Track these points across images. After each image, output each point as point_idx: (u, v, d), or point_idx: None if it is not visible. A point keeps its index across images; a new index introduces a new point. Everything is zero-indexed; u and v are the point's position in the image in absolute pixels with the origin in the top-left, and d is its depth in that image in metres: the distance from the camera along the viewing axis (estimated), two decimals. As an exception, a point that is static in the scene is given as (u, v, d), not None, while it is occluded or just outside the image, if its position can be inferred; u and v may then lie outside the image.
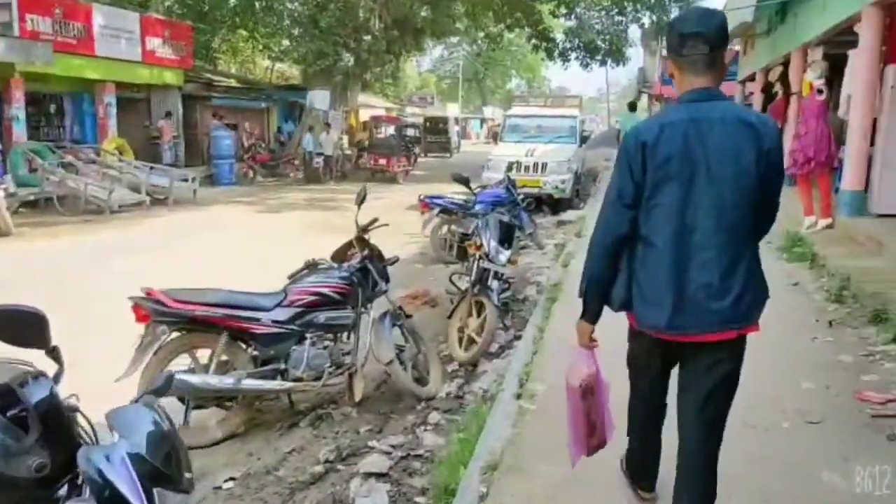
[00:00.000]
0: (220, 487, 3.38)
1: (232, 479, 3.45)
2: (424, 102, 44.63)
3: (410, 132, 28.80)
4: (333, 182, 19.46)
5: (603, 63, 24.93)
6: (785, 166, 9.30)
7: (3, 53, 12.13)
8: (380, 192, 14.86)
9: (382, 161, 20.34)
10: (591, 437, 2.48)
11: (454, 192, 8.70)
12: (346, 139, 24.40)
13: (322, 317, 4.04)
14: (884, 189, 7.60)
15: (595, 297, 2.27)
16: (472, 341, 5.03)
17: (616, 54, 24.22)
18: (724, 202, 2.04)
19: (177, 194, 14.16)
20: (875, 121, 7.79)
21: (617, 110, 48.92)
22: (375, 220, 4.43)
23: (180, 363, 3.85)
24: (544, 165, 12.61)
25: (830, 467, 2.88)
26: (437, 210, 8.29)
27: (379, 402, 4.34)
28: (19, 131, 13.46)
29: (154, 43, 17.11)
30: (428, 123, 34.15)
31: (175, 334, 3.81)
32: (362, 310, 4.21)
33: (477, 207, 7.52)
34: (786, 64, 11.91)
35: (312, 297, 4.03)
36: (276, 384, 3.91)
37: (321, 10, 21.37)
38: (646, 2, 21.95)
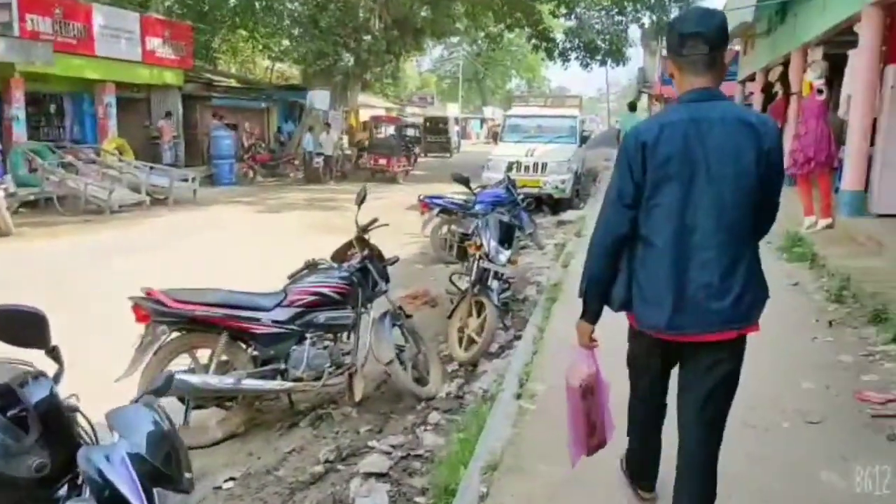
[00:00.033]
0: (220, 487, 3.39)
1: (232, 479, 3.45)
2: (424, 102, 44.63)
3: (410, 132, 28.80)
4: (333, 182, 19.47)
5: (603, 63, 24.92)
6: (785, 166, 9.32)
7: (3, 53, 12.13)
8: (380, 192, 14.87)
9: (382, 161, 20.34)
10: (591, 436, 2.48)
11: (454, 192, 8.70)
12: (346, 139, 24.40)
13: (322, 317, 4.04)
14: (884, 189, 7.60)
15: (595, 297, 2.27)
16: (472, 341, 5.03)
17: (616, 54, 24.21)
18: (724, 202, 2.04)
19: (177, 194, 14.16)
20: (875, 121, 7.79)
21: (617, 110, 48.92)
22: (375, 220, 4.44)
23: (180, 363, 3.85)
24: (544, 165, 12.61)
25: (830, 467, 2.88)
26: (436, 210, 8.30)
27: (379, 402, 4.34)
28: (19, 131, 13.46)
29: (154, 43, 17.11)
30: (428, 123, 34.13)
31: (175, 334, 3.81)
32: (362, 310, 4.21)
33: (477, 207, 7.52)
34: (786, 64, 11.92)
35: (312, 297, 4.03)
36: (276, 384, 3.91)
37: (321, 10, 21.37)
38: (646, 2, 21.95)
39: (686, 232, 2.06)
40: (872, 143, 7.84)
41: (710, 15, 2.14)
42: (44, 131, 15.47)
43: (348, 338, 4.25)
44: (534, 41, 24.81)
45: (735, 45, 17.08)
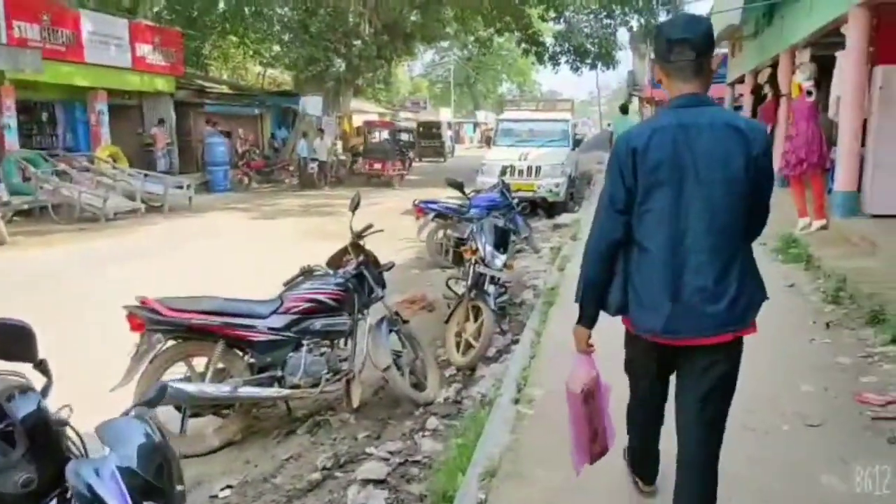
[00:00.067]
0: (216, 496, 3.36)
1: (229, 487, 3.42)
2: (417, 107, 44.70)
3: (404, 137, 28.82)
4: (328, 188, 19.45)
5: (593, 66, 25.08)
6: (777, 168, 9.37)
7: (-8, 61, 12.10)
8: (375, 197, 14.87)
9: (377, 165, 20.36)
10: (594, 443, 2.47)
11: (449, 197, 8.70)
12: (340, 145, 24.39)
13: (318, 323, 4.03)
14: (876, 189, 7.64)
15: (591, 302, 2.28)
16: (469, 346, 5.02)
17: (606, 58, 24.36)
18: (714, 206, 2.06)
19: (172, 201, 14.13)
20: (865, 122, 7.83)
21: (608, 113, 49.13)
22: (370, 226, 4.43)
23: (176, 372, 3.82)
24: (538, 169, 12.65)
25: (830, 470, 2.88)
26: (432, 215, 8.30)
27: (377, 408, 4.32)
28: (11, 140, 13.42)
29: (144, 49, 17.09)
30: (421, 128, 34.19)
31: (171, 343, 3.78)
32: (359, 316, 4.19)
33: (472, 212, 7.55)
34: (774, 66, 11.98)
35: (308, 304, 4.01)
36: (272, 391, 3.89)
37: (311, 15, 21.39)
38: (633, 5, 22.06)
39: (679, 236, 2.08)
40: (863, 144, 7.89)
41: (697, 21, 2.18)
42: (36, 139, 15.43)
43: (345, 344, 4.23)
44: (523, 45, 24.93)
45: (723, 48, 17.17)
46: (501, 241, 5.83)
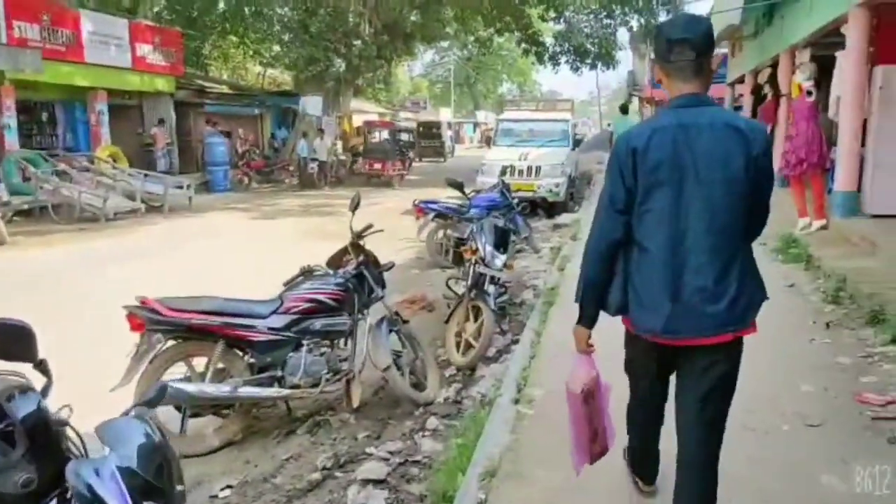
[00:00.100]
0: (216, 496, 3.36)
1: (229, 487, 3.42)
2: (417, 107, 44.70)
3: (404, 137, 28.80)
4: (328, 188, 19.45)
5: (593, 66, 25.07)
6: (777, 168, 9.37)
7: (-8, 61, 12.10)
8: (375, 197, 14.87)
9: (378, 165, 20.37)
10: (594, 443, 2.47)
11: (449, 197, 8.70)
12: (340, 144, 24.39)
13: (318, 323, 4.03)
14: (876, 189, 7.63)
15: (591, 302, 2.28)
16: (469, 346, 5.02)
17: (606, 57, 24.35)
18: (714, 206, 2.06)
19: (172, 201, 14.13)
20: (865, 122, 7.83)
21: (608, 113, 49.13)
22: (370, 226, 4.43)
23: (176, 372, 3.82)
24: (538, 169, 12.65)
25: (830, 470, 2.88)
26: (432, 215, 8.29)
27: (377, 408, 4.32)
28: (11, 140, 13.42)
29: (144, 49, 17.09)
30: (421, 128, 34.20)
31: (171, 343, 3.77)
32: (359, 316, 4.19)
33: (472, 212, 7.55)
34: (774, 66, 11.97)
35: (308, 304, 4.01)
36: (272, 391, 3.88)
37: (311, 15, 21.39)
38: (633, 5, 22.06)
39: (678, 237, 2.08)
40: (863, 144, 7.88)
41: (697, 22, 2.18)
42: (36, 139, 15.42)
43: (345, 344, 4.23)
44: (524, 45, 24.92)
45: (723, 48, 17.16)
46: (501, 241, 5.83)
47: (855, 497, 2.71)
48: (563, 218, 11.67)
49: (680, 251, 2.08)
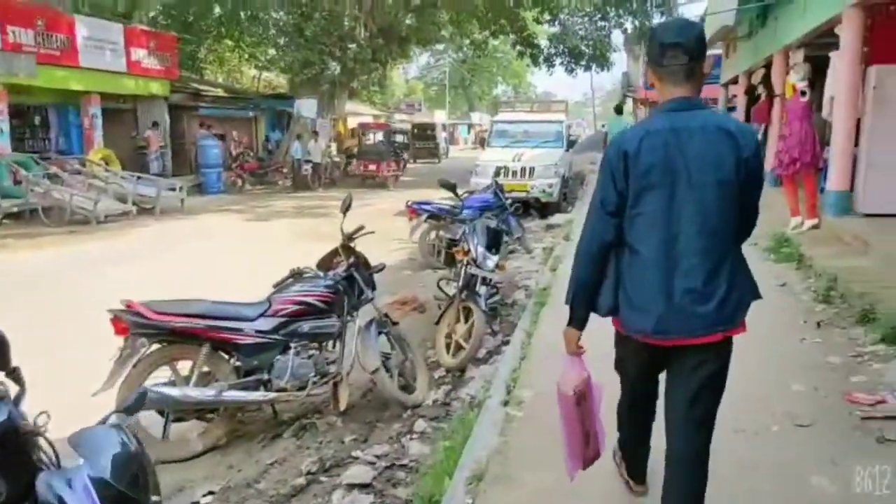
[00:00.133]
0: (198, 502, 3.31)
1: (211, 492, 3.38)
2: (412, 109, 44.68)
3: (399, 138, 28.82)
4: (322, 189, 19.42)
5: (587, 68, 25.10)
6: (771, 167, 9.36)
7: (-15, 66, 12.06)
8: (369, 198, 14.83)
9: (372, 167, 20.37)
10: (587, 447, 2.45)
11: (442, 198, 8.68)
12: (334, 146, 24.37)
13: (307, 326, 3.99)
14: (869, 189, 7.63)
15: (582, 304, 2.29)
16: (459, 347, 5.00)
17: (600, 59, 24.38)
18: (705, 209, 2.07)
19: (164, 204, 14.08)
20: (859, 121, 7.82)
21: (602, 114, 49.15)
22: (361, 227, 4.40)
23: (161, 376, 3.78)
24: (532, 170, 12.65)
25: (820, 471, 2.85)
26: (425, 216, 8.27)
27: (365, 410, 4.28)
28: (3, 143, 13.36)
29: (139, 54, 17.05)
30: (416, 130, 34.27)
31: (155, 346, 3.73)
32: (348, 318, 4.16)
33: (465, 212, 7.53)
34: (768, 66, 11.99)
35: (297, 307, 3.97)
36: (258, 395, 3.84)
37: (306, 19, 21.36)
38: (628, 7, 22.09)
39: (670, 240, 2.09)
40: (857, 144, 7.88)
41: (690, 26, 2.21)
42: (29, 143, 15.37)
43: (334, 346, 4.20)
44: (518, 47, 24.95)
45: (717, 49, 17.19)
46: (493, 242, 5.81)
47: (845, 498, 2.68)
48: (556, 218, 11.68)
49: (672, 254, 2.09)
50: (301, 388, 3.90)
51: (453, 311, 5.16)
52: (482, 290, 5.39)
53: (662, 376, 2.34)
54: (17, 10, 13.45)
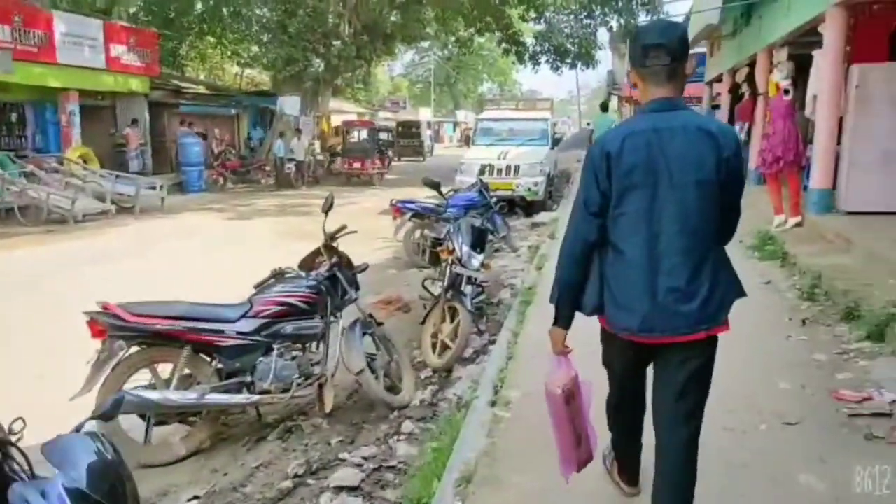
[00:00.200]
0: (182, 508, 3.25)
1: (196, 497, 3.31)
2: (397, 107, 44.58)
3: (383, 136, 28.71)
4: (305, 187, 19.31)
5: (573, 66, 25.15)
6: (754, 165, 9.37)
7: (-40, 62, 11.82)
8: (353, 196, 14.74)
9: (357, 164, 20.29)
10: (579, 448, 2.43)
11: (427, 197, 8.63)
12: (318, 144, 24.23)
13: (289, 327, 3.92)
14: (851, 187, 7.69)
15: (567, 303, 2.30)
16: (445, 347, 4.95)
17: (585, 57, 24.44)
18: (687, 209, 2.09)
19: (144, 202, 13.90)
20: (841, 120, 7.88)
21: (588, 112, 49.45)
22: (344, 227, 4.34)
23: (141, 379, 3.70)
24: (517, 168, 12.63)
25: (808, 469, 2.85)
26: (409, 214, 8.21)
27: (350, 412, 4.22)
28: (-22, 141, 13.12)
29: (118, 50, 16.81)
30: (401, 128, 34.16)
31: (134, 349, 3.65)
32: (331, 318, 4.10)
33: (450, 211, 7.49)
34: (752, 65, 12.06)
35: (279, 307, 3.91)
36: (241, 398, 3.77)
37: (290, 16, 21.21)
38: (613, 5, 22.18)
39: (652, 239, 2.11)
40: (839, 142, 7.94)
41: (673, 27, 2.24)
42: (4, 141, 15.12)
43: (317, 348, 4.13)
44: (504, 45, 24.94)
45: (701, 47, 17.29)
46: (478, 241, 5.77)
47: (833, 495, 2.68)
48: (542, 217, 11.67)
49: (654, 253, 2.11)
50: (285, 391, 3.84)
51: (439, 310, 5.12)
52: (468, 289, 5.35)
53: (650, 371, 2.34)
54: (-6, 7, 13.22)
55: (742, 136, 10.97)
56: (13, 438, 1.49)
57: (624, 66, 27.51)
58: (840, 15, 7.66)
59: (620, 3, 22.04)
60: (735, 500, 2.68)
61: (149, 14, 23.44)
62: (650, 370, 2.33)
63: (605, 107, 16.29)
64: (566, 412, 2.37)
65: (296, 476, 3.40)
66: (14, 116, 15.51)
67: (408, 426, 3.92)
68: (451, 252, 5.25)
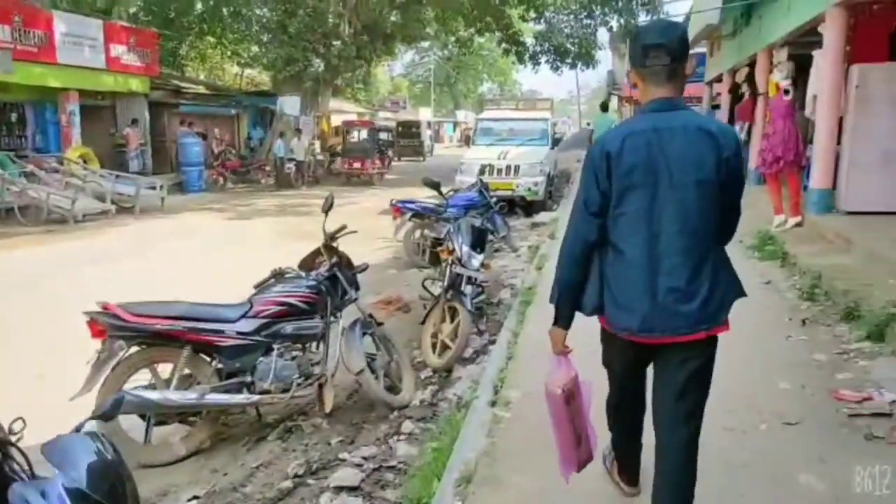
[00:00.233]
0: (182, 508, 3.25)
1: (196, 497, 3.31)
2: (397, 107, 44.59)
3: (383, 136, 28.73)
4: (305, 187, 19.31)
5: (573, 66, 25.14)
6: (755, 165, 9.37)
7: (-40, 62, 11.82)
8: (353, 196, 14.73)
9: (357, 164, 20.28)
10: (579, 448, 2.43)
11: (427, 197, 8.63)
12: (318, 144, 24.23)
13: (289, 327, 3.92)
14: (851, 187, 7.69)
15: (567, 304, 2.30)
16: (445, 347, 4.95)
17: (585, 57, 24.44)
18: (687, 209, 2.09)
19: (144, 202, 13.90)
20: (841, 120, 7.88)
21: (588, 112, 49.45)
22: (344, 227, 4.33)
23: (141, 379, 3.70)
24: (517, 168, 12.63)
25: (808, 469, 2.85)
26: (409, 214, 8.21)
27: (350, 412, 4.23)
28: (-22, 141, 13.13)
29: (118, 50, 16.81)
30: (401, 128, 34.16)
31: (134, 349, 3.65)
32: (331, 318, 4.10)
33: (450, 211, 7.49)
34: (752, 65, 12.06)
35: (279, 307, 3.90)
36: (241, 398, 3.77)
37: (290, 15, 21.21)
38: (613, 5, 22.18)
39: (652, 239, 2.11)
40: (839, 142, 7.94)
41: (673, 27, 2.24)
42: (4, 141, 15.12)
43: (317, 348, 4.13)
44: (504, 45, 24.93)
45: (701, 47, 17.28)
46: (478, 241, 5.77)
47: (833, 495, 2.68)
48: (542, 217, 11.67)
49: (654, 253, 2.11)
50: (285, 391, 3.84)
51: (439, 310, 5.12)
52: (468, 289, 5.35)
53: (650, 371, 2.34)
54: (-6, 7, 13.22)
55: (742, 136, 10.97)
56: (13, 438, 1.49)
57: (624, 66, 27.50)
58: (840, 15, 7.66)
59: (620, 3, 22.04)
60: (735, 500, 2.68)
61: (149, 14, 23.44)
62: (650, 370, 2.33)
63: (605, 107, 16.29)
64: (566, 412, 2.37)
65: (296, 476, 3.40)
66: (14, 116, 15.51)
67: (408, 426, 3.92)
68: (451, 252, 5.25)
